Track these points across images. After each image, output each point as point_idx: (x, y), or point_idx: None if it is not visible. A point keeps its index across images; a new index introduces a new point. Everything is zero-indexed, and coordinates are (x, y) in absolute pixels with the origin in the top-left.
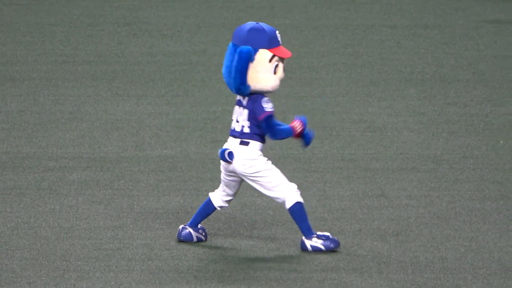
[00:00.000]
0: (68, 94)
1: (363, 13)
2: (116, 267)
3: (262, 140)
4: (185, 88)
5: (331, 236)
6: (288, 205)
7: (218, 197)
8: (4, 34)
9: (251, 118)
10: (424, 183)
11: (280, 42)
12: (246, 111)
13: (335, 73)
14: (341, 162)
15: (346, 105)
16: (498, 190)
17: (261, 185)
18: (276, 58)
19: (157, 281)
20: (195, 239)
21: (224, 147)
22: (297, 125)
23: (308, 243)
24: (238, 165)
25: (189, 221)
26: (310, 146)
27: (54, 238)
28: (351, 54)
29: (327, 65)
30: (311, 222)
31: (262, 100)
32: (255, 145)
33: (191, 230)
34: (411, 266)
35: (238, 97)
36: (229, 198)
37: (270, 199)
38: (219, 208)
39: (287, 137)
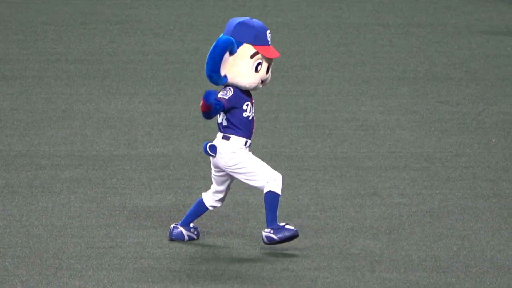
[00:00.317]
0: (60, 92)
1: (355, 11)
2: (108, 265)
3: (246, 134)
4: (177, 86)
5: (286, 226)
6: (264, 190)
7: (210, 197)
8: None
9: (227, 111)
10: (416, 181)
11: (270, 42)
12: None
13: (327, 71)
14: (334, 160)
15: (338, 104)
16: (490, 188)
17: (243, 176)
18: (259, 56)
19: (149, 280)
20: (186, 238)
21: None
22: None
23: (264, 234)
24: (219, 158)
25: (181, 220)
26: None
27: (47, 236)
28: (344, 53)
29: (320, 63)
30: (304, 220)
31: (224, 89)
32: (236, 139)
33: (183, 229)
34: (403, 264)
35: None
36: (221, 196)
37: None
38: (211, 208)
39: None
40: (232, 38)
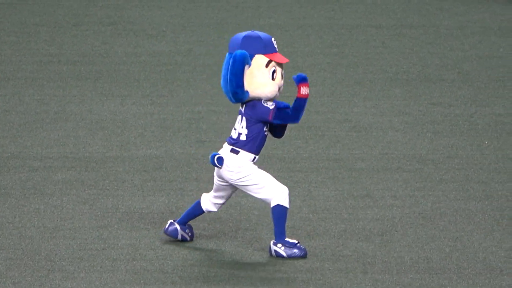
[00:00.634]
0: (53, 94)
1: (348, 13)
2: (100, 267)
3: (256, 150)
4: (170, 88)
5: (298, 244)
6: (272, 204)
7: (208, 200)
8: None
9: (250, 126)
10: (409, 183)
11: (277, 49)
12: (244, 119)
13: (320, 73)
14: (326, 162)
15: (331, 105)
16: (483, 190)
17: (249, 189)
18: (273, 63)
19: (142, 281)
20: (179, 237)
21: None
22: (302, 92)
23: (273, 248)
24: (225, 171)
25: (179, 218)
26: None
27: (39, 238)
28: (336, 54)
29: (312, 65)
30: (296, 222)
31: (262, 102)
32: (245, 155)
33: (178, 228)
34: (396, 266)
35: (239, 106)
36: (220, 201)
37: (255, 200)
38: (206, 212)
39: (305, 105)
40: (245, 51)
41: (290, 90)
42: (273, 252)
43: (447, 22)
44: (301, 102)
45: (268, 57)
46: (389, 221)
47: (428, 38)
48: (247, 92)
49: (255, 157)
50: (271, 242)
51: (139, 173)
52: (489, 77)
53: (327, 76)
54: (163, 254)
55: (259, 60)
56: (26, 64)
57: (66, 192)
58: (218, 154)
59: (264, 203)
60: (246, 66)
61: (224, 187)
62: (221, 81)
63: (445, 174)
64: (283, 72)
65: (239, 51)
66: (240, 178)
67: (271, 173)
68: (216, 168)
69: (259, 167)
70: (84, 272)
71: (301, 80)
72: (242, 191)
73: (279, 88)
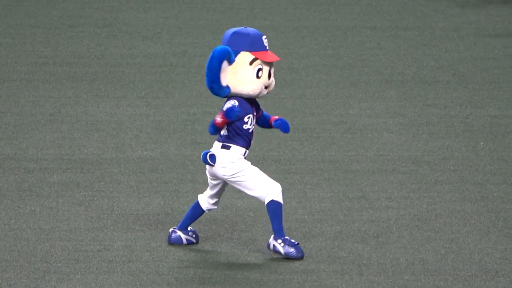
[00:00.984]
0: (48, 95)
1: (343, 14)
2: (96, 268)
3: (245, 145)
4: (165, 89)
5: (298, 245)
6: (266, 201)
7: (206, 200)
8: None
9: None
10: (404, 184)
11: (267, 48)
12: None
13: (315, 74)
14: (321, 163)
15: (326, 107)
16: (478, 191)
17: (242, 186)
18: (258, 61)
19: (137, 283)
20: (185, 242)
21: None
22: (216, 119)
23: (273, 242)
24: (218, 168)
25: (179, 224)
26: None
27: (35, 240)
28: (331, 56)
29: (307, 66)
30: (292, 224)
31: (229, 101)
32: (236, 149)
33: (181, 234)
34: (391, 268)
35: None
36: (217, 198)
37: (251, 201)
38: (207, 211)
39: (212, 125)
40: (227, 47)
41: (284, 92)
42: (271, 246)
43: (442, 23)
44: (211, 125)
45: (254, 55)
46: (385, 222)
47: (423, 39)
48: (227, 87)
49: (245, 151)
50: (272, 237)
51: (135, 174)
52: (484, 78)
53: (322, 77)
54: (158, 256)
55: (244, 57)
56: (21, 66)
57: (62, 193)
58: (210, 151)
59: (259, 204)
60: (226, 62)
61: (217, 184)
62: None
63: (441, 175)
64: (272, 71)
65: (219, 47)
66: (234, 174)
67: (267, 175)
68: (208, 166)
69: (259, 169)
70: (79, 273)
71: (227, 113)
72: (236, 190)
73: (266, 87)
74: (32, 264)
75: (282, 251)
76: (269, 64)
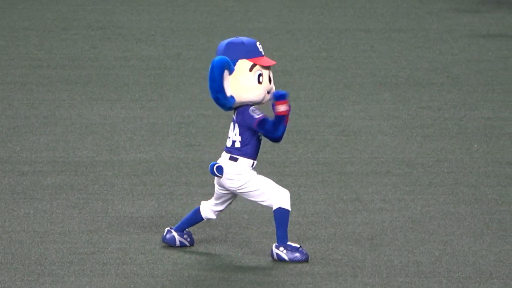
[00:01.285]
0: (42, 98)
1: (337, 17)
2: (90, 271)
3: (253, 157)
4: (159, 92)
5: (300, 248)
6: (274, 207)
7: (208, 208)
8: None
9: (242, 132)
10: (398, 187)
11: (263, 53)
12: (236, 126)
13: (309, 77)
14: (316, 166)
15: (320, 109)
16: (472, 193)
17: (250, 196)
18: (257, 67)
19: (132, 286)
20: (178, 243)
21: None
22: (278, 110)
23: (275, 251)
24: (225, 180)
25: (176, 225)
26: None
27: (29, 243)
28: (325, 58)
29: (301, 69)
30: None
31: (249, 110)
32: (244, 161)
33: (175, 234)
34: (385, 270)
35: (232, 114)
36: (220, 208)
37: (245, 203)
38: (205, 219)
39: (281, 121)
40: (226, 57)
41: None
42: (274, 256)
43: (436, 26)
44: (278, 118)
45: (252, 61)
46: (379, 225)
47: (417, 42)
48: (232, 97)
49: (253, 162)
50: (273, 246)
51: (129, 177)
52: (478, 80)
53: (316, 80)
54: (153, 258)
55: (243, 64)
56: (15, 69)
57: (56, 196)
58: (217, 163)
59: (253, 206)
60: (226, 72)
61: (225, 194)
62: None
63: (435, 177)
64: (271, 75)
65: (217, 58)
66: (241, 186)
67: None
68: (216, 178)
69: (258, 173)
70: (74, 276)
71: (277, 98)
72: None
73: (268, 92)
74: (27, 266)
75: (286, 258)
76: (268, 68)
